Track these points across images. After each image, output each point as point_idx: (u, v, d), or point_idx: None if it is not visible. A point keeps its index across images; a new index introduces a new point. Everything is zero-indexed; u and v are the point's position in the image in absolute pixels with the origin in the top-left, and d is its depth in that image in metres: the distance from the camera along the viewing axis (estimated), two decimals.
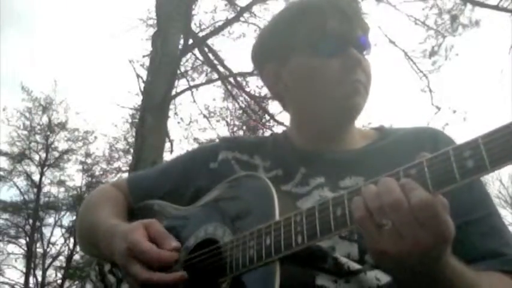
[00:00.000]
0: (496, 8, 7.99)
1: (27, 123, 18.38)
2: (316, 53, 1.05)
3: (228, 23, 8.72)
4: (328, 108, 1.07)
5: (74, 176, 19.48)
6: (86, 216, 1.23)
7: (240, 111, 11.94)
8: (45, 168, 18.80)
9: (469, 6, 8.72)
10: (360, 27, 1.09)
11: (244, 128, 13.28)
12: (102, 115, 32.81)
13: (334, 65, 1.04)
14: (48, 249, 19.08)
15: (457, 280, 0.77)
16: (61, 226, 18.97)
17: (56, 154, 19.03)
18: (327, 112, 1.07)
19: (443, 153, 0.70)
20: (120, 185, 1.29)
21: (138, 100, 9.29)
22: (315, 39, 1.06)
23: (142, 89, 7.13)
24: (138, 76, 7.37)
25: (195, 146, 13.24)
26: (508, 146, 0.64)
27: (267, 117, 10.09)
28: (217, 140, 1.35)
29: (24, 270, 18.34)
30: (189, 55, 8.90)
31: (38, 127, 18.62)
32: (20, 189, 18.66)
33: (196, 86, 9.44)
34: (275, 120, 9.42)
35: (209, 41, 8.60)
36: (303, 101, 1.12)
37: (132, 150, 9.43)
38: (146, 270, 0.93)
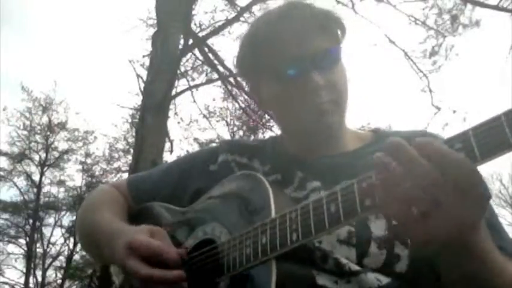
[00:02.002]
0: (496, 8, 7.99)
1: (27, 123, 18.42)
2: (279, 79, 1.05)
3: (228, 23, 8.72)
4: (303, 130, 1.07)
5: (74, 176, 19.57)
6: (86, 217, 1.23)
7: (240, 111, 11.94)
8: (45, 168, 18.82)
9: (469, 6, 8.73)
10: (321, 37, 1.04)
11: (244, 128, 13.28)
12: (102, 115, 32.95)
13: (295, 91, 1.03)
14: (48, 249, 19.12)
15: (487, 256, 0.76)
16: (61, 226, 19.01)
17: (56, 154, 19.06)
18: (304, 133, 1.08)
19: None
20: (120, 186, 1.29)
21: (138, 100, 9.31)
22: (275, 65, 1.04)
23: (142, 89, 7.13)
24: (138, 76, 7.37)
25: (195, 146, 13.27)
26: (498, 138, 0.64)
27: (267, 117, 10.09)
28: (217, 143, 1.36)
29: (24, 270, 18.37)
30: (189, 55, 8.90)
31: (38, 127, 18.66)
32: (20, 189, 18.70)
33: (196, 86, 9.45)
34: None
35: (209, 41, 8.61)
36: (279, 121, 1.16)
37: (132, 150, 9.44)
38: (146, 265, 0.92)
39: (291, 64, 1.02)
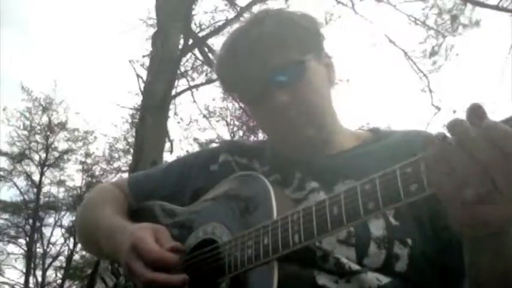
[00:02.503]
0: (496, 8, 7.99)
1: (27, 123, 18.43)
2: (246, 101, 1.06)
3: (228, 23, 8.71)
4: (287, 144, 1.08)
5: (74, 176, 19.57)
6: (86, 213, 1.23)
7: (240, 111, 11.94)
8: (45, 168, 18.83)
9: (469, 6, 8.73)
10: (284, 55, 1.01)
11: (244, 128, 13.27)
12: (102, 115, 32.89)
13: (264, 111, 1.04)
14: (48, 249, 19.13)
15: None
16: (61, 226, 19.01)
17: (56, 154, 19.07)
18: (289, 146, 1.08)
19: None
20: (120, 185, 1.29)
21: (138, 100, 9.30)
22: (239, 88, 1.05)
23: (142, 89, 7.13)
24: (138, 76, 7.38)
25: (195, 146, 13.26)
26: None
27: None
28: (217, 143, 1.36)
29: (24, 270, 18.37)
30: (189, 55, 8.91)
31: (38, 127, 18.67)
32: (20, 189, 18.70)
33: (196, 86, 9.46)
34: None
35: (209, 41, 8.61)
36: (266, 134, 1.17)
37: (132, 150, 9.43)
38: (151, 270, 0.93)
39: (252, 86, 1.02)
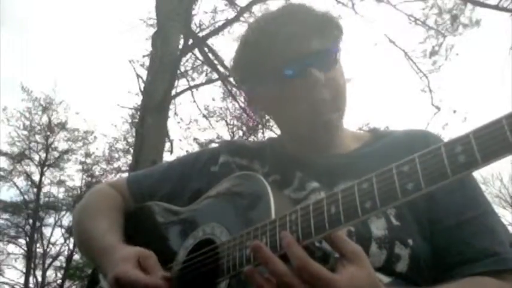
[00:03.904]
0: (496, 7, 7.98)
1: (27, 123, 18.43)
2: (277, 80, 1.05)
3: (228, 23, 8.71)
4: (301, 128, 1.08)
5: (74, 176, 19.51)
6: (82, 222, 1.22)
7: (240, 111, 11.94)
8: (45, 168, 18.82)
9: (469, 6, 8.72)
10: (320, 40, 1.06)
11: (244, 128, 13.27)
12: (102, 115, 32.87)
13: (295, 90, 1.04)
14: (48, 249, 19.11)
15: None
16: (61, 226, 19.00)
17: (56, 154, 19.07)
18: (302, 131, 1.08)
19: (435, 149, 0.70)
20: (118, 185, 1.28)
21: (138, 100, 9.28)
22: (273, 65, 1.05)
23: (142, 89, 7.13)
24: (138, 76, 7.35)
25: (195, 146, 13.26)
26: (499, 141, 0.64)
27: (267, 117, 10.07)
28: (217, 143, 1.36)
29: (24, 270, 18.36)
30: (189, 55, 8.89)
31: (38, 127, 18.66)
32: (20, 189, 18.70)
33: (196, 86, 9.44)
34: None
35: (209, 41, 8.60)
36: (278, 122, 1.16)
37: (132, 150, 9.43)
38: None
39: (290, 64, 1.03)
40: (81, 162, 18.71)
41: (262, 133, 11.53)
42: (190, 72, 9.94)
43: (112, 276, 0.96)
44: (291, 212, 0.85)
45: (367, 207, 0.74)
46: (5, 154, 18.25)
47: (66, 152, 18.99)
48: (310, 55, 1.03)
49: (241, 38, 1.14)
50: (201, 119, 13.07)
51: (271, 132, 10.42)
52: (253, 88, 1.13)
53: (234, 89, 9.88)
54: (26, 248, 18.68)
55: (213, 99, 12.73)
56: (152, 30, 8.34)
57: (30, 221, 18.73)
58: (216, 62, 8.59)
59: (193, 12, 8.56)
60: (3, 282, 17.84)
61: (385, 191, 0.73)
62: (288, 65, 1.03)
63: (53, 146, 18.88)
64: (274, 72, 1.05)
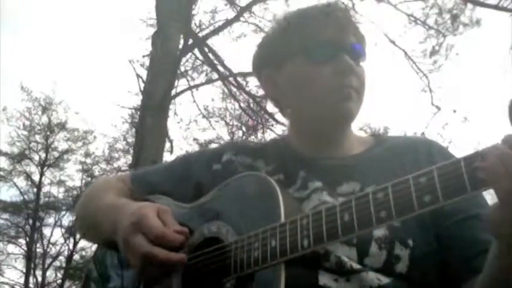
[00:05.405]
0: (496, 7, 7.99)
1: (27, 123, 18.41)
2: (309, 59, 1.07)
3: (228, 23, 8.72)
4: (322, 113, 1.08)
5: (73, 176, 19.48)
6: (88, 200, 1.23)
7: (240, 111, 11.94)
8: (45, 168, 18.81)
9: (469, 5, 8.73)
10: (353, 36, 1.11)
11: (243, 128, 13.27)
12: (102, 115, 32.89)
13: (326, 71, 1.06)
14: (48, 249, 19.10)
15: None
16: (61, 226, 18.99)
17: (56, 154, 19.05)
18: (321, 117, 1.09)
19: (455, 162, 0.70)
20: (123, 179, 1.29)
21: (138, 100, 9.27)
22: (308, 46, 1.08)
23: (142, 89, 7.13)
24: (138, 76, 7.37)
25: (195, 146, 13.26)
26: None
27: (267, 117, 10.08)
28: (220, 144, 1.37)
29: (24, 270, 18.36)
30: (189, 55, 8.89)
31: (38, 127, 18.65)
32: (20, 189, 18.68)
33: (196, 86, 9.45)
34: (275, 120, 9.42)
35: (209, 41, 8.60)
36: (297, 106, 1.14)
37: (132, 150, 9.44)
38: (149, 243, 0.92)
39: (326, 46, 1.07)
40: (81, 162, 18.72)
41: (263, 133, 11.53)
42: (190, 72, 9.95)
43: (132, 218, 0.95)
44: (302, 216, 0.85)
45: (382, 217, 0.75)
46: (5, 154, 18.25)
47: (66, 152, 18.99)
48: (345, 44, 1.08)
49: (277, 19, 1.19)
50: (200, 119, 13.08)
51: (272, 132, 10.43)
52: (280, 67, 1.13)
53: (234, 89, 9.90)
54: (26, 248, 18.69)
55: (212, 100, 12.72)
56: (152, 30, 8.35)
57: (30, 221, 18.73)
58: (216, 62, 8.60)
59: (193, 12, 8.58)
60: (3, 282, 17.86)
61: (401, 202, 0.73)
62: (324, 47, 1.07)
63: (52, 146, 18.88)
64: (307, 50, 1.08)
